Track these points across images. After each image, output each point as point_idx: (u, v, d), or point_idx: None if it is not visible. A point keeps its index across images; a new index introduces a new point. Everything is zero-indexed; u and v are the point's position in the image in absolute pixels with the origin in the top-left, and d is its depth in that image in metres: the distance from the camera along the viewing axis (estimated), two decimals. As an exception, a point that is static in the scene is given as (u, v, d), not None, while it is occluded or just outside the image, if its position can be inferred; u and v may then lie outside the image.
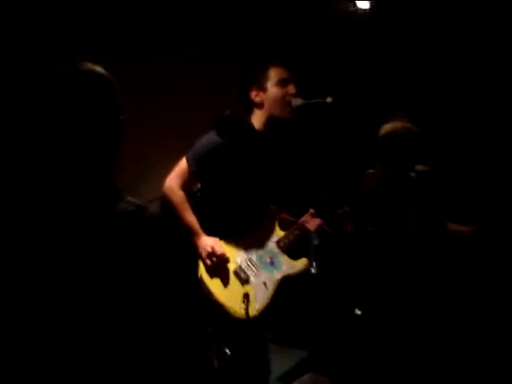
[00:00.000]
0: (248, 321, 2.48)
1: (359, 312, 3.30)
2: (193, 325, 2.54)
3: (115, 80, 1.48)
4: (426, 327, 2.98)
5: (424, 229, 3.05)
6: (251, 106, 2.71)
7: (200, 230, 2.58)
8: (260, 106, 2.69)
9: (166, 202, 2.72)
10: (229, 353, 2.50)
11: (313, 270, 2.85)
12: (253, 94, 2.69)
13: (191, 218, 2.60)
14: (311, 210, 2.86)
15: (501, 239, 3.27)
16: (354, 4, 4.56)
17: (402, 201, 3.08)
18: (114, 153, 1.46)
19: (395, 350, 3.01)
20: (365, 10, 4.64)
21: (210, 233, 2.60)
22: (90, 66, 1.46)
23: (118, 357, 1.34)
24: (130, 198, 1.46)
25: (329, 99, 2.66)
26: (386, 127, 3.19)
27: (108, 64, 1.52)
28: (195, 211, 2.64)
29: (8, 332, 1.28)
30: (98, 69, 1.46)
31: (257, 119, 2.70)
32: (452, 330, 3.13)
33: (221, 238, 2.60)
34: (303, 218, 2.84)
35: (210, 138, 2.62)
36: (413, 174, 3.18)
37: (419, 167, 3.20)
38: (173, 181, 2.65)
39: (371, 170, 3.18)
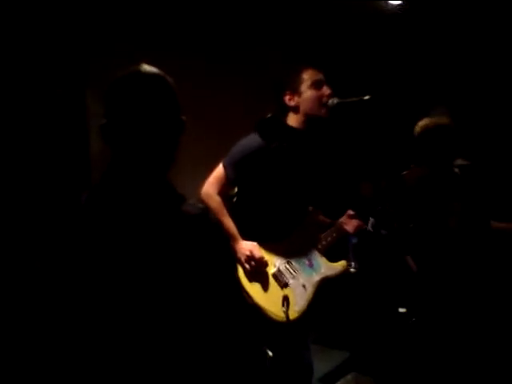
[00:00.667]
0: (288, 323, 2.48)
1: (403, 310, 3.28)
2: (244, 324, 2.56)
3: (172, 81, 1.49)
4: (470, 327, 2.93)
5: (468, 225, 2.99)
6: (286, 109, 2.69)
7: (238, 235, 2.60)
8: (295, 109, 2.66)
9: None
10: (271, 354, 2.52)
11: (352, 269, 2.85)
12: (287, 98, 2.67)
13: (230, 223, 2.62)
14: (349, 211, 2.85)
15: None
16: (387, 1, 4.54)
17: (443, 197, 3.03)
18: (174, 153, 1.47)
19: (438, 350, 2.97)
20: (397, 6, 4.62)
21: (247, 237, 2.62)
22: (148, 67, 1.46)
23: (177, 352, 1.38)
24: (191, 201, 1.50)
25: (366, 97, 2.59)
26: (419, 125, 3.15)
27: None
28: (232, 216, 2.66)
29: (80, 330, 1.32)
30: (157, 70, 1.47)
31: (293, 122, 2.68)
32: (496, 331, 3.06)
33: (259, 242, 2.61)
34: (341, 220, 2.84)
35: (247, 143, 2.62)
36: (456, 170, 3.12)
37: (459, 161, 3.14)
38: (210, 186, 2.67)
39: (407, 171, 3.14)
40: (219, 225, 1.53)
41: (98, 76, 3.49)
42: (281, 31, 4.47)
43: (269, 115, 2.59)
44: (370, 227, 3.00)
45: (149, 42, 3.82)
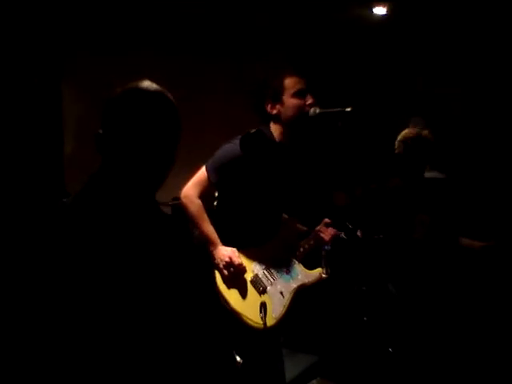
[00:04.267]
0: (265, 330, 2.49)
1: (366, 319, 3.32)
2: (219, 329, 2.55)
3: (173, 98, 1.45)
4: (434, 335, 2.99)
5: (435, 238, 3.05)
6: (268, 118, 2.67)
7: (217, 240, 2.59)
8: (277, 118, 2.64)
9: (180, 209, 2.73)
10: (240, 360, 2.52)
11: (323, 275, 2.87)
12: (268, 106, 2.64)
13: (209, 228, 2.60)
14: (326, 220, 2.87)
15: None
16: (371, 10, 4.58)
17: (413, 209, 3.08)
18: (167, 172, 1.45)
19: (403, 357, 3.02)
20: (381, 15, 4.66)
21: (226, 242, 2.61)
22: (150, 83, 1.43)
23: (158, 355, 1.38)
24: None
25: (348, 109, 2.56)
26: (401, 135, 3.19)
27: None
28: (212, 220, 2.64)
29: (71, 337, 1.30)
30: (158, 87, 1.43)
31: (275, 130, 2.67)
32: (459, 340, 3.13)
33: (237, 248, 2.61)
34: (318, 228, 2.86)
35: (231, 147, 2.60)
36: (428, 177, 3.17)
37: (435, 174, 3.19)
38: (191, 190, 2.64)
39: (386, 181, 3.18)
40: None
41: (74, 74, 3.44)
42: (265, 38, 4.47)
43: (253, 130, 2.57)
44: (344, 235, 3.03)
45: (128, 40, 3.78)
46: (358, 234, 3.03)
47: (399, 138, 3.20)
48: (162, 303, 1.37)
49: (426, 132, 3.15)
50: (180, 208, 2.78)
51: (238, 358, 2.53)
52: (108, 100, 1.40)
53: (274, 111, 2.64)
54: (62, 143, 3.51)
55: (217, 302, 2.50)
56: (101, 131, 1.39)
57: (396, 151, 3.21)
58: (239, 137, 2.62)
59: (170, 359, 1.38)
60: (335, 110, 2.59)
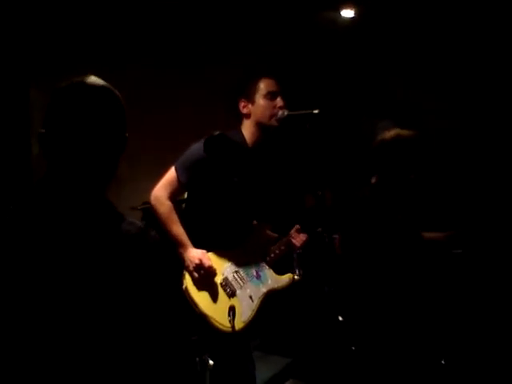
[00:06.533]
0: (234, 334, 2.49)
1: (341, 319, 3.33)
2: (180, 335, 2.54)
3: (121, 95, 1.39)
4: (408, 333, 3.01)
5: (399, 236, 3.05)
6: (240, 117, 2.74)
7: (188, 242, 2.57)
8: (248, 116, 2.72)
9: (151, 212, 2.71)
10: (212, 363, 2.52)
11: (296, 277, 2.88)
12: (241, 104, 2.73)
13: (179, 230, 2.59)
14: (297, 226, 2.88)
15: (472, 247, 3.32)
16: (339, 13, 4.61)
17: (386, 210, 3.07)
18: (115, 170, 1.40)
19: (378, 358, 3.03)
20: (349, 18, 4.70)
21: (196, 245, 2.60)
22: (95, 78, 1.36)
23: (111, 365, 1.32)
24: (130, 219, 1.41)
25: (315, 111, 2.61)
26: (381, 136, 3.14)
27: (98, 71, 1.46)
28: (181, 221, 2.63)
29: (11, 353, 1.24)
30: (104, 82, 1.37)
31: (246, 129, 2.73)
32: (434, 339, 3.17)
33: (207, 250, 2.60)
34: (290, 233, 2.87)
35: (198, 147, 2.61)
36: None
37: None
38: (161, 191, 2.62)
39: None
40: (159, 243, 1.46)
41: (42, 80, 3.41)
42: (237, 44, 4.48)
43: (216, 133, 2.58)
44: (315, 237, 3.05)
45: (98, 47, 3.77)
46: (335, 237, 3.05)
47: (377, 140, 3.15)
48: (108, 307, 1.31)
49: (408, 133, 3.09)
50: (150, 212, 2.77)
51: (210, 361, 2.53)
52: (51, 95, 1.33)
53: (246, 110, 2.72)
54: (30, 145, 3.47)
55: (183, 305, 2.49)
56: (43, 130, 1.32)
57: (373, 154, 3.17)
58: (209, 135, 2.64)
59: (115, 364, 1.32)
60: (303, 112, 2.64)
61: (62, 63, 3.59)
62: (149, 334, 1.38)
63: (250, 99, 2.71)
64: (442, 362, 3.05)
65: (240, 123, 2.76)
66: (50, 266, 1.26)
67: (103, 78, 1.40)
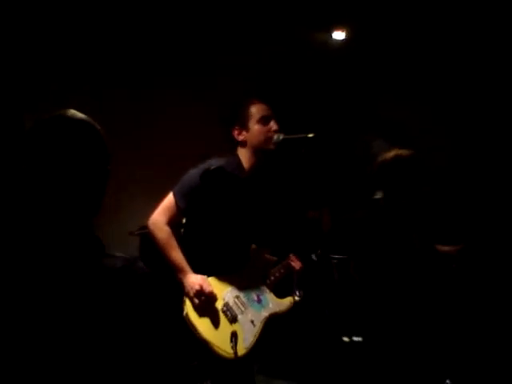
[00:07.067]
0: (236, 359, 2.47)
1: (347, 339, 3.32)
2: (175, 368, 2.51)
3: (101, 128, 1.36)
4: (419, 354, 2.98)
5: (416, 253, 3.04)
6: (235, 144, 2.74)
7: (187, 268, 2.57)
8: (244, 143, 2.71)
9: (150, 238, 2.71)
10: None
11: (297, 298, 2.87)
12: (235, 132, 2.72)
13: (178, 255, 2.58)
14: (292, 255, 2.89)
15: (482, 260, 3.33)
16: (330, 35, 4.67)
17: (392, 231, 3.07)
18: (99, 203, 1.35)
19: (386, 375, 3.01)
20: (340, 40, 4.76)
21: (195, 270, 2.59)
22: (75, 112, 1.34)
23: None
24: (116, 253, 1.36)
25: (310, 135, 2.65)
26: (382, 157, 3.14)
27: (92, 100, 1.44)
28: (180, 247, 2.62)
29: None
30: (84, 116, 1.35)
31: (243, 155, 2.72)
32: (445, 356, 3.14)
33: (207, 276, 2.59)
34: (289, 257, 2.87)
35: (197, 174, 2.62)
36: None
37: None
38: (159, 216, 2.62)
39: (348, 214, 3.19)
40: (149, 274, 1.41)
41: (37, 103, 3.43)
42: (227, 62, 4.52)
43: (213, 167, 2.60)
44: (314, 257, 3.05)
45: (90, 71, 3.80)
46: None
47: (377, 161, 3.17)
48: (94, 347, 1.24)
49: (408, 152, 3.10)
50: (148, 237, 2.76)
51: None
52: (29, 129, 1.31)
53: (241, 137, 2.71)
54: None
55: (183, 331, 2.47)
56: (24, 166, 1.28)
57: (373, 176, 3.18)
58: (207, 161, 2.66)
59: None
60: (298, 136, 2.67)
61: (58, 89, 3.62)
62: (142, 369, 1.32)
63: (244, 126, 2.69)
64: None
65: (235, 150, 2.74)
66: (25, 308, 1.20)
67: (99, 105, 1.39)
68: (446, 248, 3.20)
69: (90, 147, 1.31)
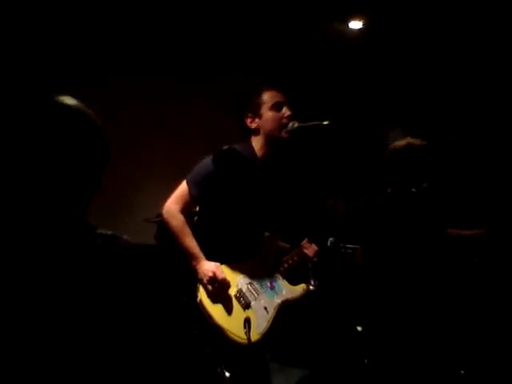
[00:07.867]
0: (249, 345, 2.48)
1: (360, 328, 3.30)
2: (190, 349, 2.53)
3: (94, 114, 1.31)
4: (429, 342, 2.96)
5: (425, 239, 3.01)
6: (248, 132, 2.72)
7: (201, 255, 2.58)
8: (257, 131, 2.70)
9: (164, 226, 2.73)
10: (228, 375, 2.51)
11: (311, 287, 2.88)
12: (248, 120, 2.71)
13: (192, 243, 2.59)
14: (306, 239, 2.90)
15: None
16: (347, 25, 4.64)
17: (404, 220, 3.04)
18: (93, 192, 1.31)
19: (397, 366, 3.00)
20: (357, 29, 4.73)
21: (209, 257, 2.60)
22: (67, 98, 1.29)
23: None
24: (101, 231, 1.31)
25: (325, 122, 2.60)
26: (393, 145, 3.12)
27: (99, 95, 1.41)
28: (194, 234, 2.64)
29: None
30: (76, 102, 1.30)
31: (256, 144, 2.72)
32: (457, 346, 3.11)
33: (221, 263, 2.60)
34: (302, 244, 2.87)
35: (210, 161, 2.63)
36: (414, 190, 3.12)
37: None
38: (173, 204, 2.64)
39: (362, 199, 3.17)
40: (133, 247, 1.34)
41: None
42: (243, 52, 4.51)
43: (225, 147, 2.59)
44: (329, 243, 3.04)
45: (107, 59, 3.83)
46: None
47: (389, 149, 3.14)
48: (83, 328, 1.19)
49: (419, 142, 3.07)
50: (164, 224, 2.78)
51: (227, 373, 2.53)
52: (20, 116, 1.26)
53: (254, 125, 2.70)
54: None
55: (197, 317, 2.48)
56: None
57: (384, 163, 3.15)
58: (220, 149, 2.66)
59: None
60: (313, 123, 2.63)
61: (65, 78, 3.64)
62: (143, 344, 1.28)
63: (257, 113, 2.68)
64: (462, 371, 3.01)
65: (248, 139, 2.74)
66: (7, 294, 1.17)
67: (112, 92, 1.38)
68: (469, 232, 3.13)
69: (80, 133, 1.27)
